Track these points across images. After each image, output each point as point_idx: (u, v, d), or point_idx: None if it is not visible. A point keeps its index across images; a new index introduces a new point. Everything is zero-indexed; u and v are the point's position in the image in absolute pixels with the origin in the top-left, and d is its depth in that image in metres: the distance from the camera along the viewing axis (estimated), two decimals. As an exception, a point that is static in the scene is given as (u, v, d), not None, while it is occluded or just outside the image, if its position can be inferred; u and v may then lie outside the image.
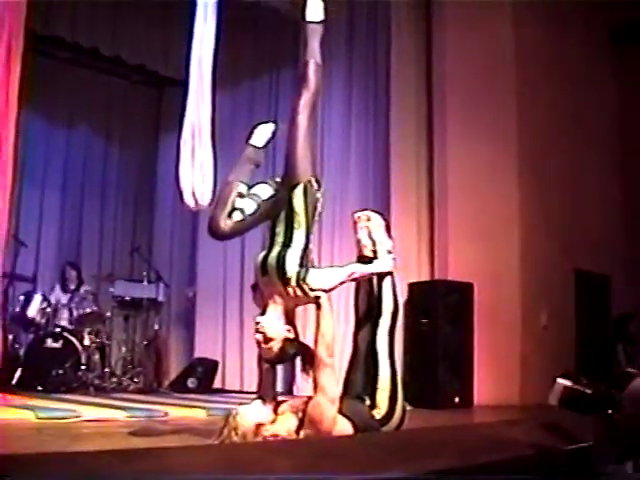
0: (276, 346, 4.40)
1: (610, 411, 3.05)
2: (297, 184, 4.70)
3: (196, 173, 6.51)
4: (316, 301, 4.40)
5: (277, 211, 4.73)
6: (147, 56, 10.88)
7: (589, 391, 3.19)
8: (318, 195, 4.77)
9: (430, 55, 9.71)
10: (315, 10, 5.33)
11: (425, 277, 9.39)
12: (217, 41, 6.77)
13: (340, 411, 4.26)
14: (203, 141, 6.59)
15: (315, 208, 4.75)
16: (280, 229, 4.71)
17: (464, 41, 9.49)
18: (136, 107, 12.42)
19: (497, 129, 9.33)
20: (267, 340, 4.43)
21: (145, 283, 10.64)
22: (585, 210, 10.33)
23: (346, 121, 9.92)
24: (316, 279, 4.41)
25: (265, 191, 4.94)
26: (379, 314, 4.76)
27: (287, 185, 4.76)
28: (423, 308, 8.83)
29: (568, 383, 3.17)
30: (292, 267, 4.43)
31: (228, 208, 4.88)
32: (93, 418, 6.17)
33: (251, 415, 4.25)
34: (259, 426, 4.14)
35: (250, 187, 5.02)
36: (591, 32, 10.89)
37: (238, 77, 11.06)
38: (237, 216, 4.92)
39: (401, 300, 8.94)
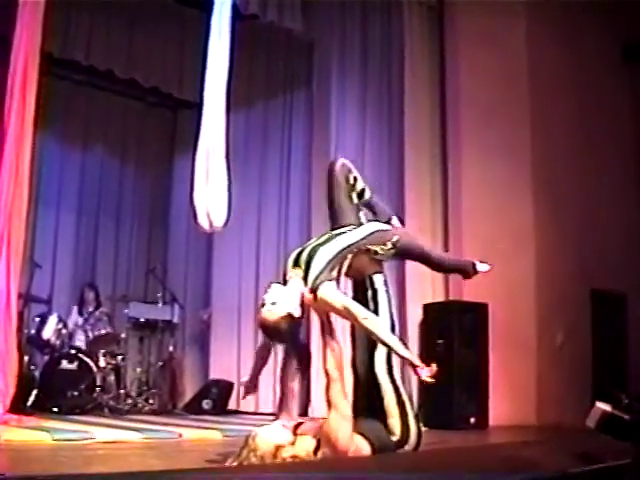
0: (276, 314, 4.33)
1: None
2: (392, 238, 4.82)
3: (210, 195, 6.55)
4: (326, 315, 4.39)
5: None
6: (161, 78, 10.94)
7: (627, 417, 3.13)
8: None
9: (444, 72, 9.74)
10: None
11: (440, 298, 9.36)
12: (231, 63, 6.83)
13: (356, 430, 4.24)
14: (217, 163, 6.64)
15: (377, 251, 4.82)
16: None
17: (478, 58, 9.50)
18: (151, 129, 12.48)
19: (511, 148, 9.32)
20: (273, 302, 4.37)
21: (160, 304, 10.66)
22: (601, 229, 10.28)
23: (360, 140, 9.92)
24: (327, 292, 4.39)
25: None
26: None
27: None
28: (438, 329, 8.80)
29: (607, 408, 3.11)
30: (316, 267, 4.46)
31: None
32: (108, 440, 6.16)
33: (270, 436, 4.21)
34: (278, 448, 4.10)
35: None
36: (605, 50, 10.89)
37: (252, 98, 11.11)
38: None
39: (415, 321, 9.00)
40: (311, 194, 10.22)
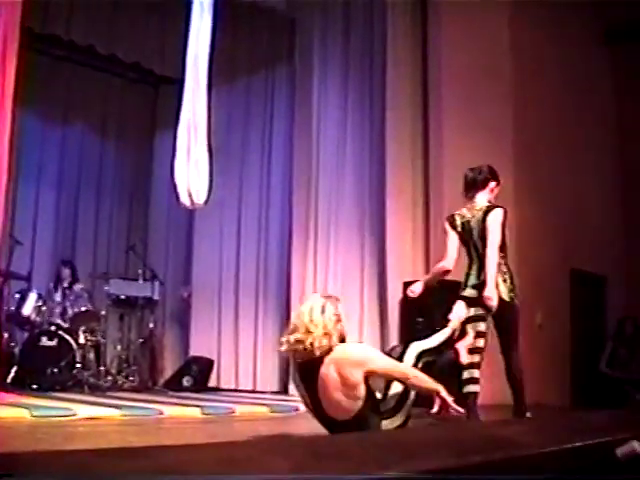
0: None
1: None
2: None
3: (192, 172, 6.53)
4: None
5: None
6: (143, 54, 10.85)
7: None
8: None
9: (426, 52, 9.69)
10: None
11: (420, 276, 9.37)
12: (213, 39, 6.79)
13: None
14: (199, 139, 6.62)
15: None
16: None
17: (461, 38, 9.47)
18: (132, 105, 12.38)
19: (493, 128, 9.32)
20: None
21: (140, 281, 10.63)
22: (582, 210, 10.33)
23: (342, 120, 9.90)
24: None
25: None
26: None
27: None
28: (418, 307, 8.80)
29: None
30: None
31: None
32: (88, 416, 6.16)
33: None
34: None
35: None
36: (587, 31, 10.91)
37: (234, 75, 11.05)
38: None
39: (395, 298, 9.02)
40: (293, 171, 10.21)
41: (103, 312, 10.06)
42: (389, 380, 4.77)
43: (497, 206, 5.87)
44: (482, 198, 5.93)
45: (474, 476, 2.48)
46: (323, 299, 4.70)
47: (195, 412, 7.12)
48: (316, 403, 4.61)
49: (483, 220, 5.77)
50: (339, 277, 9.63)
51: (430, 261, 9.31)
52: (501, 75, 9.47)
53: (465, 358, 5.51)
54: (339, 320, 4.62)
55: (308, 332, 4.50)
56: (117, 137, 12.30)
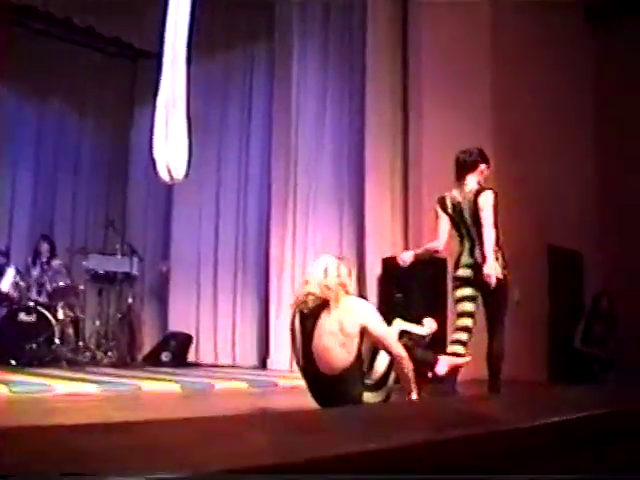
0: None
1: None
2: None
3: (170, 147, 6.49)
4: None
5: None
6: (122, 28, 10.77)
7: None
8: None
9: (406, 29, 9.65)
10: None
11: (399, 252, 9.38)
12: (192, 14, 6.72)
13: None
14: (177, 114, 6.57)
15: None
16: None
17: (441, 15, 9.43)
18: (110, 80, 12.28)
19: (473, 106, 9.31)
20: None
21: (119, 257, 10.61)
22: (559, 187, 10.38)
23: (321, 95, 9.89)
24: None
25: None
26: None
27: None
28: (397, 283, 8.84)
29: None
30: None
31: None
32: (66, 392, 6.16)
33: None
34: None
35: None
36: (568, 9, 10.89)
37: (213, 50, 10.98)
38: None
39: (374, 274, 9.04)
40: (272, 146, 10.19)
41: (82, 287, 10.05)
42: (375, 354, 4.82)
43: (488, 188, 5.95)
44: (472, 180, 5.99)
45: (453, 450, 2.51)
46: (337, 259, 5.00)
47: (174, 387, 7.14)
48: (309, 355, 4.76)
49: (474, 202, 5.83)
50: (318, 251, 9.63)
51: (409, 237, 9.33)
52: (482, 53, 9.46)
53: (443, 369, 5.53)
54: (349, 278, 4.97)
55: (321, 285, 4.76)
56: (95, 112, 12.22)
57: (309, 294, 4.82)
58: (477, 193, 5.86)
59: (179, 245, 11.16)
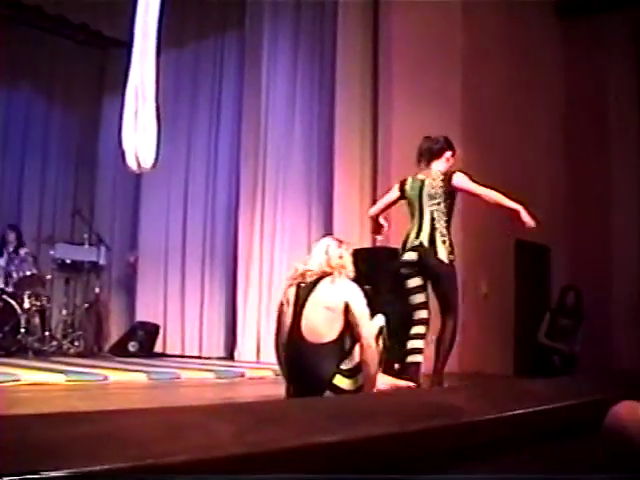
0: None
1: None
2: None
3: (139, 136, 6.46)
4: None
5: None
6: (91, 15, 10.66)
7: None
8: None
9: (377, 18, 9.65)
10: None
11: (367, 244, 9.40)
12: (163, 2, 6.68)
13: None
14: (147, 103, 6.53)
15: None
16: None
17: (411, 7, 9.45)
18: (80, 68, 12.15)
19: (443, 99, 9.32)
20: None
21: (86, 246, 10.54)
22: (527, 180, 10.42)
23: (291, 85, 9.87)
24: None
25: None
26: None
27: None
28: (365, 275, 8.83)
29: None
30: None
31: None
32: (32, 382, 6.11)
33: None
34: None
35: None
36: (539, 4, 10.94)
37: (183, 39, 10.93)
38: None
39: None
40: (241, 136, 10.16)
41: (48, 276, 9.99)
42: (355, 342, 4.88)
43: (458, 170, 5.98)
44: (438, 167, 5.98)
45: (416, 442, 2.53)
46: (338, 241, 5.22)
47: (140, 377, 7.10)
48: (296, 322, 4.84)
49: (443, 184, 5.84)
50: (286, 242, 9.64)
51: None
52: (452, 45, 9.46)
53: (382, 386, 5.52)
54: (349, 261, 5.12)
55: (321, 264, 4.97)
56: (64, 100, 12.11)
57: (308, 270, 4.95)
58: (448, 176, 5.86)
59: (147, 235, 11.11)
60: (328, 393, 4.70)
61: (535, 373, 9.14)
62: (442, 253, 5.75)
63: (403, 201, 6.16)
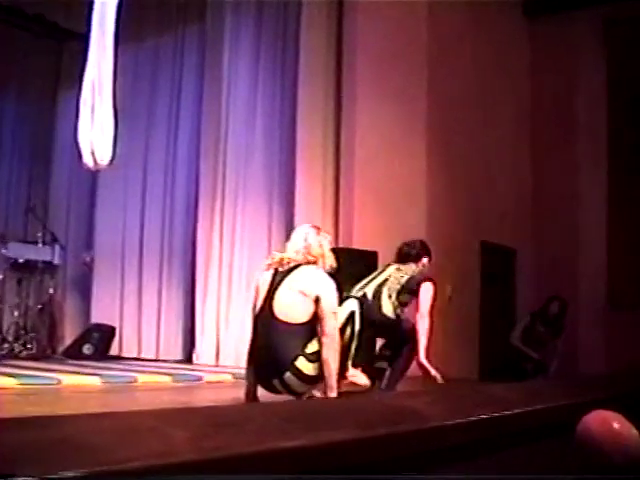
0: None
1: None
2: None
3: (96, 132, 6.34)
4: None
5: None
6: (46, 5, 10.47)
7: None
8: None
9: (342, 17, 9.60)
10: None
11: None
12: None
13: None
14: (104, 99, 6.42)
15: None
16: None
17: (377, 4, 9.40)
18: (35, 61, 11.94)
19: (407, 98, 9.31)
20: None
21: (40, 245, 10.35)
22: (493, 183, 10.46)
23: (253, 82, 9.79)
24: None
25: None
26: None
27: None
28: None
29: None
30: None
31: None
32: (-19, 385, 5.97)
33: None
34: None
35: None
36: (505, 4, 11.01)
37: (142, 33, 10.78)
38: None
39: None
40: (201, 134, 10.06)
41: (0, 276, 9.79)
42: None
43: (428, 278, 6.14)
44: (413, 267, 6.24)
45: (379, 448, 2.47)
46: (316, 229, 5.21)
47: (95, 381, 6.99)
48: (269, 302, 4.88)
49: (410, 283, 6.06)
50: (246, 243, 9.57)
51: (339, 231, 9.28)
52: (417, 44, 9.45)
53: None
54: (328, 248, 5.15)
55: (300, 252, 5.00)
56: (18, 94, 11.93)
57: (286, 258, 4.99)
58: (419, 282, 6.04)
59: (103, 234, 10.95)
60: (288, 375, 4.72)
61: (504, 376, 9.04)
62: (388, 310, 5.96)
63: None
